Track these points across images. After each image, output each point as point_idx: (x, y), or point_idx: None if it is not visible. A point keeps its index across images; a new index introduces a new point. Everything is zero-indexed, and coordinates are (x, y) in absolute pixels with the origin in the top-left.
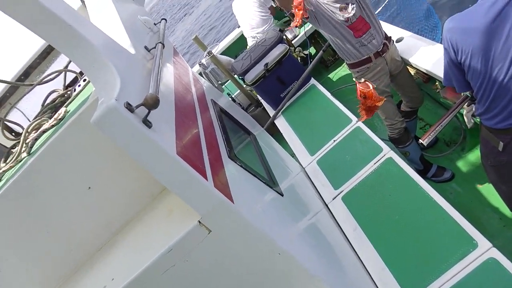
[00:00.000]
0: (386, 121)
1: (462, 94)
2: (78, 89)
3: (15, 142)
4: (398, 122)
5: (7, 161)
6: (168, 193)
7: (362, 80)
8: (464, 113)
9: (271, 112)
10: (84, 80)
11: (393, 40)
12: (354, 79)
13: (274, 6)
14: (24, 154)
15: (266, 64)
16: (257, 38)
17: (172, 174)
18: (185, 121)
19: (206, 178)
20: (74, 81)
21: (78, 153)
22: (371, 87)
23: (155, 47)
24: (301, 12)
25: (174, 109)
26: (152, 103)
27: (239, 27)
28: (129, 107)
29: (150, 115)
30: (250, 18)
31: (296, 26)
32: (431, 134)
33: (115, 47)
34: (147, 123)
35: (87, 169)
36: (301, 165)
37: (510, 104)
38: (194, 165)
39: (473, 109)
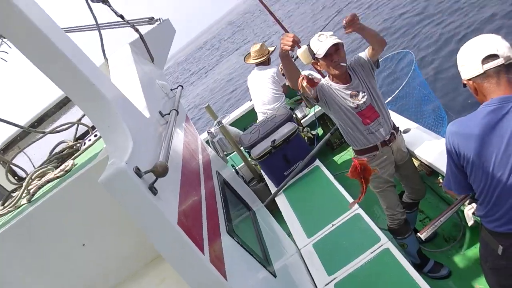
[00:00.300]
0: (386, 211)
1: None
2: (87, 143)
3: (16, 186)
4: (399, 213)
5: (5, 205)
6: (162, 261)
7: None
8: (464, 210)
9: (272, 188)
10: (95, 136)
11: (400, 131)
12: None
13: (287, 84)
14: (24, 201)
15: (274, 141)
16: (267, 114)
17: (170, 244)
18: (189, 191)
19: (203, 252)
20: (85, 135)
21: (79, 208)
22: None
23: (169, 113)
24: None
25: (180, 178)
26: (161, 171)
27: (251, 100)
28: (138, 172)
29: (157, 183)
30: (263, 94)
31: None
32: (430, 229)
33: (131, 109)
34: (153, 190)
35: (85, 226)
36: (297, 246)
37: (510, 210)
38: (192, 238)
39: (474, 207)
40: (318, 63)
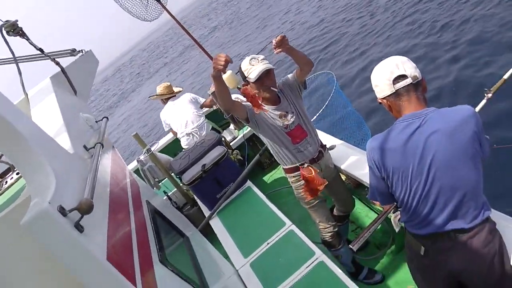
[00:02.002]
0: (319, 225)
1: None
2: (9, 181)
3: None
4: (331, 226)
5: None
6: None
7: (306, 165)
8: (391, 218)
9: (206, 212)
10: (18, 173)
11: (327, 148)
12: (290, 182)
13: (215, 107)
14: None
15: (204, 165)
16: (192, 134)
17: (101, 280)
18: (118, 224)
19: (135, 285)
20: (6, 172)
21: (2, 253)
22: (313, 172)
23: (94, 147)
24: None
25: (108, 212)
26: (86, 209)
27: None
28: (62, 211)
29: (83, 219)
30: (185, 116)
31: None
32: (361, 240)
33: (53, 146)
34: (79, 227)
35: (9, 271)
36: (234, 267)
37: (428, 216)
38: (123, 271)
39: (399, 215)
40: (249, 86)
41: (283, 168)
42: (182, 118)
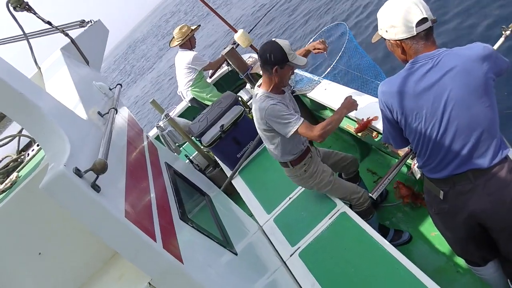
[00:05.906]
0: (352, 196)
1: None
2: (31, 153)
3: None
4: (365, 192)
5: None
6: (119, 257)
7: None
8: (411, 165)
9: (228, 172)
10: (38, 145)
11: None
12: (299, 175)
13: (230, 69)
14: None
15: (222, 126)
16: (181, 94)
17: (121, 237)
18: (136, 184)
19: (155, 240)
20: (29, 146)
21: (29, 218)
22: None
23: (108, 113)
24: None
25: (125, 173)
26: (100, 168)
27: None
28: (77, 172)
29: (100, 180)
30: (178, 76)
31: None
32: (380, 188)
33: (67, 114)
34: (95, 187)
35: (38, 234)
36: (258, 223)
37: (445, 158)
38: (142, 228)
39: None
40: (277, 70)
41: (290, 163)
42: (178, 77)
